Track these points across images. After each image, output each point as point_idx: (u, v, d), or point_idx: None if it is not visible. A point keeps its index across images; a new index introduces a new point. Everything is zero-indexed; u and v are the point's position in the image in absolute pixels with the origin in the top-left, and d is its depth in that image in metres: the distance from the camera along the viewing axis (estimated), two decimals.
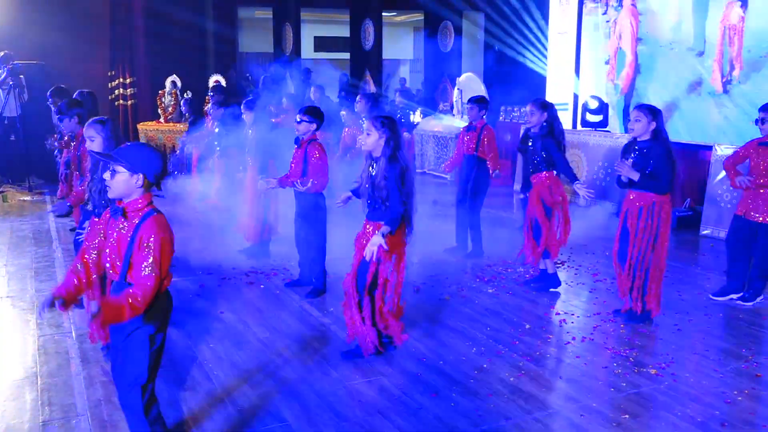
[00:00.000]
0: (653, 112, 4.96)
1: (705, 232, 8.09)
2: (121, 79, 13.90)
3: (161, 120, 12.50)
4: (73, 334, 4.98)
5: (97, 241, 3.06)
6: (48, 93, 8.71)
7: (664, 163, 4.89)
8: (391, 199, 4.24)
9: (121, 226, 2.95)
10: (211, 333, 4.97)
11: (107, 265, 3.03)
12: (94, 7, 13.46)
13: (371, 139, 4.28)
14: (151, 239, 2.87)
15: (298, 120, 5.62)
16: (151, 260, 2.86)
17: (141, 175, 2.94)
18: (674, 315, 5.33)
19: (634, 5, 10.39)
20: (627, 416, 3.80)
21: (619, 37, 10.69)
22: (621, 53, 10.65)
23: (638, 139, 5.02)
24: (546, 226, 5.75)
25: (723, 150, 8.10)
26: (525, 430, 3.68)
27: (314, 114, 5.63)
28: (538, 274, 6.15)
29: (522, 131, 5.96)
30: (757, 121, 5.50)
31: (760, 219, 5.47)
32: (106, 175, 2.97)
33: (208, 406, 3.89)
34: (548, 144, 5.70)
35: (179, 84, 12.70)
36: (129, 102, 13.97)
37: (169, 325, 3.15)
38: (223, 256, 6.81)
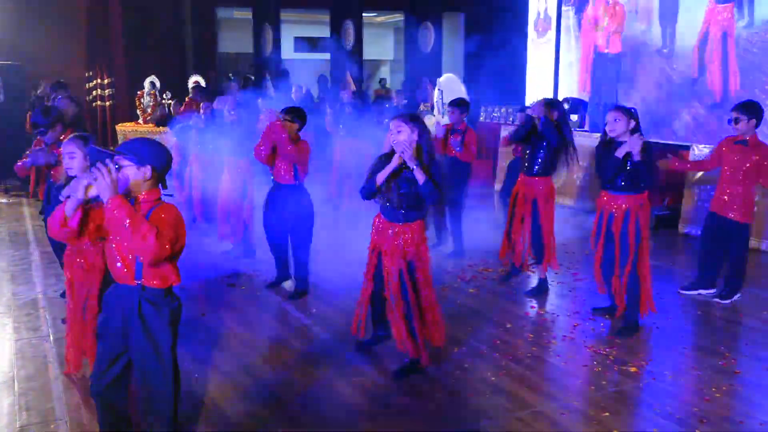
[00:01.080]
0: (630, 113, 4.96)
1: (683, 231, 8.17)
2: (99, 80, 13.78)
3: (140, 121, 12.40)
4: (51, 338, 4.92)
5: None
6: (49, 87, 8.65)
7: (645, 163, 4.87)
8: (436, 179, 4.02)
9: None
10: (192, 335, 4.93)
11: (118, 264, 2.90)
12: (71, 7, 13.34)
13: (403, 136, 4.03)
14: (161, 216, 2.78)
15: (281, 119, 5.64)
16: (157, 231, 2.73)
17: (149, 167, 2.82)
18: (653, 313, 5.37)
19: (606, 5, 10.49)
20: (607, 414, 3.83)
21: (590, 40, 10.80)
22: (601, 60, 10.75)
23: (618, 140, 4.95)
24: (548, 230, 5.77)
25: (701, 150, 8.19)
26: (507, 429, 3.70)
27: (296, 113, 5.64)
28: (510, 270, 6.27)
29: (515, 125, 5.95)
30: (729, 121, 5.56)
31: (733, 216, 5.54)
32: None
33: (189, 409, 3.85)
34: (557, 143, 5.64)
35: (158, 84, 12.61)
36: (107, 103, 13.85)
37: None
38: (204, 258, 6.76)
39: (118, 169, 2.78)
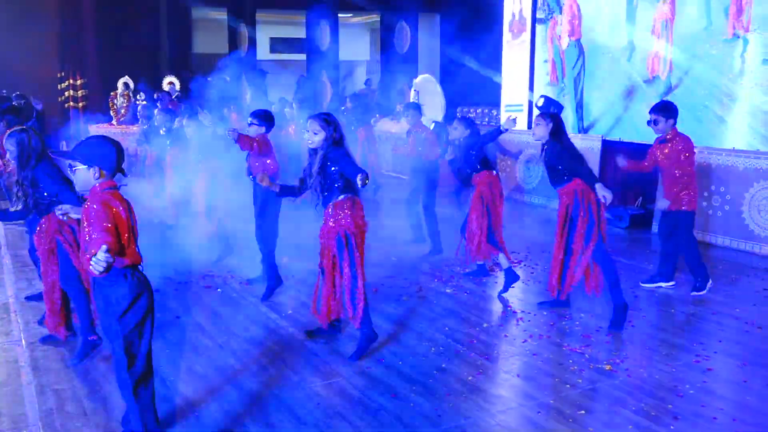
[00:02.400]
0: (550, 116, 5.26)
1: (657, 230, 8.26)
2: (71, 81, 13.61)
3: (113, 122, 12.27)
4: (23, 342, 4.85)
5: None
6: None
7: (563, 156, 5.12)
8: (347, 171, 4.34)
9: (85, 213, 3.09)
10: (167, 338, 4.89)
11: (87, 256, 2.99)
12: (43, 7, 13.15)
13: (319, 138, 4.42)
14: (94, 206, 3.03)
15: (249, 123, 5.83)
16: (95, 226, 2.99)
17: (96, 168, 3.09)
18: (628, 311, 5.42)
19: (573, 8, 10.59)
20: (583, 412, 3.86)
21: (559, 39, 10.89)
22: (567, 53, 10.82)
23: (542, 143, 5.28)
24: (480, 222, 5.96)
25: None
26: (483, 428, 3.71)
27: (262, 117, 5.82)
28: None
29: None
30: (649, 122, 5.82)
31: (684, 207, 5.76)
32: (70, 172, 3.18)
33: (165, 413, 3.82)
34: (473, 144, 6.02)
35: (132, 85, 12.49)
36: (80, 104, 13.67)
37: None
38: (179, 260, 6.70)
39: (74, 171, 3.12)
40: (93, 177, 3.09)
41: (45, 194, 4.41)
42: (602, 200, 4.94)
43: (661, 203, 5.84)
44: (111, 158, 3.12)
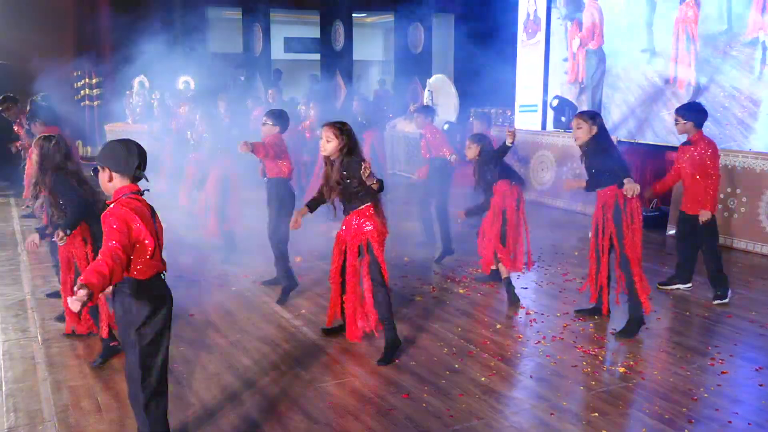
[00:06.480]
0: (592, 117, 5.04)
1: (671, 232, 8.21)
2: (87, 80, 13.70)
3: (129, 121, 12.35)
4: (39, 339, 4.89)
5: None
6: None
7: (606, 159, 4.94)
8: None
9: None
10: (181, 336, 4.91)
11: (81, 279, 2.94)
12: (59, 5, 13.26)
13: (332, 146, 4.42)
14: (108, 217, 2.92)
15: (263, 122, 5.81)
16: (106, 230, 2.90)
17: (106, 170, 3.03)
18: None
19: (595, 6, 10.54)
20: (596, 414, 3.85)
21: (582, 37, 10.84)
22: (587, 56, 10.77)
23: (581, 146, 5.06)
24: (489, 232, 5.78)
25: None
26: (496, 429, 3.70)
27: (276, 116, 5.80)
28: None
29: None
30: (676, 122, 5.70)
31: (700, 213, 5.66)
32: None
33: (177, 410, 3.84)
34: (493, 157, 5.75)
35: (147, 85, 12.56)
36: (95, 102, 13.77)
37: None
38: (193, 258, 6.74)
39: (96, 173, 3.06)
40: (105, 179, 3.02)
41: (60, 203, 4.47)
42: (626, 194, 4.76)
43: (704, 215, 5.58)
44: (119, 159, 3.00)
